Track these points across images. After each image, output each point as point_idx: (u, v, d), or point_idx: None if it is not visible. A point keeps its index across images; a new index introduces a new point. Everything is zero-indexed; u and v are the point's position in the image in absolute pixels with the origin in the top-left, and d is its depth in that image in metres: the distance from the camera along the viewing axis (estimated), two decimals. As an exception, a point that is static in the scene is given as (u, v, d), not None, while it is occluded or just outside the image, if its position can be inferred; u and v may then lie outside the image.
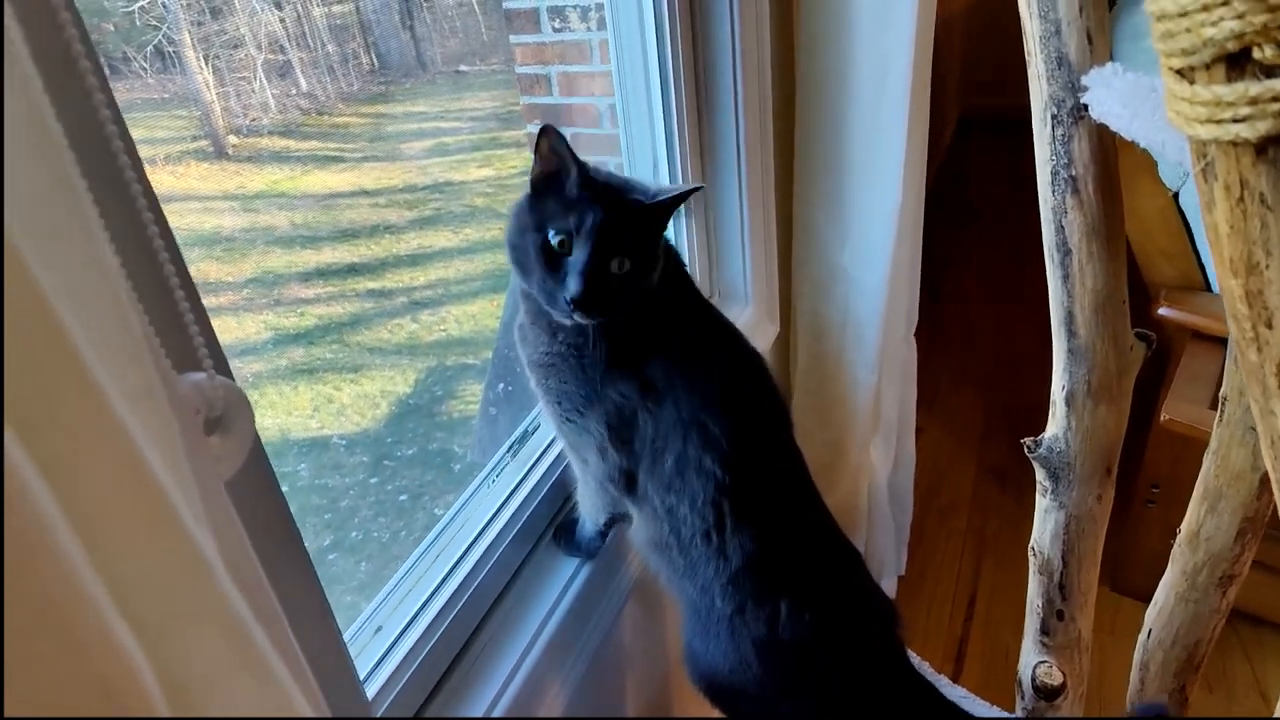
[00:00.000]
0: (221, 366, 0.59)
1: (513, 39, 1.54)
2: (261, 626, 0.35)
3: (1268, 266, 0.47)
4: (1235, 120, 0.43)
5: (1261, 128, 0.42)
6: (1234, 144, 0.44)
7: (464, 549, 0.94)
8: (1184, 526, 0.93)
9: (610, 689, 1.17)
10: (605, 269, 0.80)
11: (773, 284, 1.54)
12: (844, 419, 1.67)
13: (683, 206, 1.37)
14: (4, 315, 0.25)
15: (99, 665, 0.24)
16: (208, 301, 0.56)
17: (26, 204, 0.31)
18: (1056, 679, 1.06)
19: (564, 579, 1.00)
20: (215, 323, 0.58)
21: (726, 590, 0.89)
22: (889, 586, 1.87)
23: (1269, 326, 0.49)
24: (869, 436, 1.69)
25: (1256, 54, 0.40)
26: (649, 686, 1.29)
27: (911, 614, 1.90)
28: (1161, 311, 1.55)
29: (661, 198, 0.83)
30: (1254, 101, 0.41)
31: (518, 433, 1.13)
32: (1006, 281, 3.16)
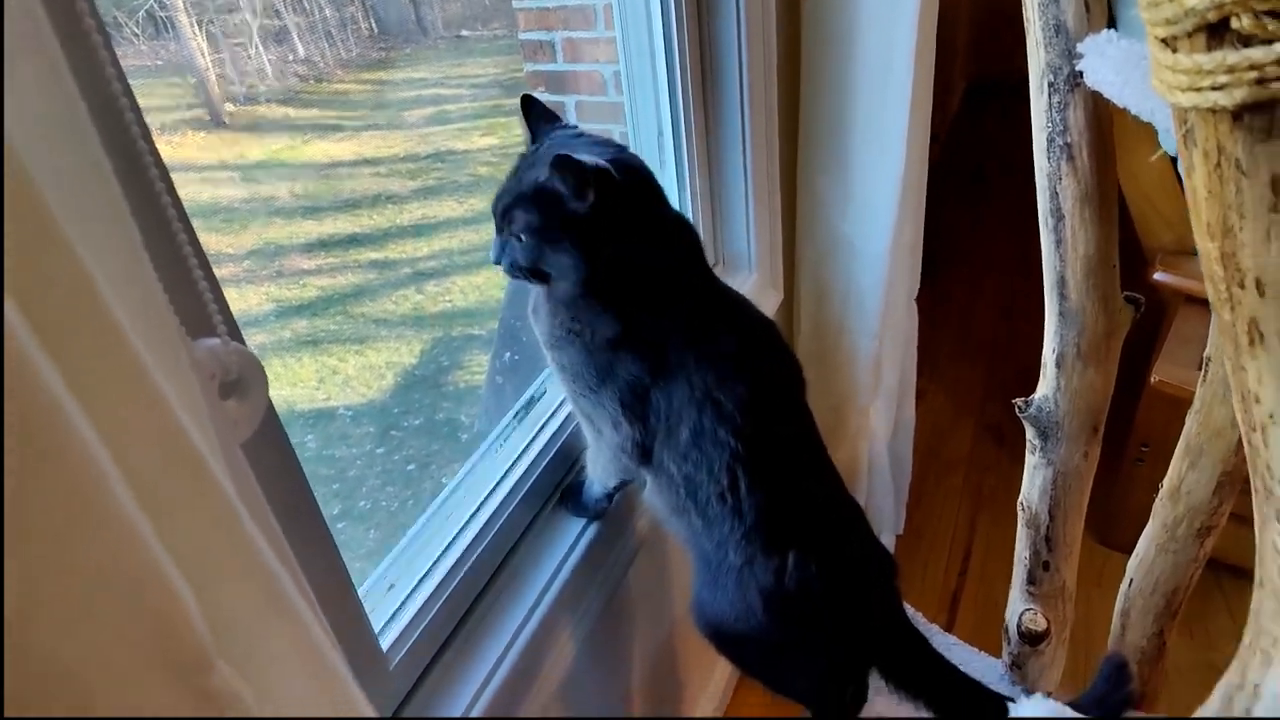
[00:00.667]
0: (234, 332, 0.60)
1: (515, 3, 1.53)
2: (286, 578, 0.38)
3: (1241, 229, 0.49)
4: (1214, 88, 0.44)
5: (1238, 95, 0.43)
6: (1212, 111, 0.46)
7: (473, 510, 0.97)
8: (1166, 482, 0.96)
9: (618, 640, 1.21)
10: (510, 236, 0.88)
11: (776, 252, 1.56)
12: (846, 384, 1.70)
13: (686, 175, 1.39)
14: (51, 288, 0.28)
15: (153, 602, 0.27)
16: (207, 274, 0.58)
17: (62, 184, 0.33)
18: (1041, 625, 1.09)
19: (571, 537, 1.03)
20: (215, 294, 0.60)
21: (740, 545, 0.92)
22: (887, 544, 1.90)
23: (1241, 287, 0.51)
24: (870, 401, 1.72)
25: (1235, 24, 0.42)
26: (655, 638, 1.33)
27: (908, 569, 1.93)
28: (1156, 276, 1.56)
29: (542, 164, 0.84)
30: (1231, 70, 0.43)
31: (523, 399, 1.16)
32: (1012, 247, 3.17)
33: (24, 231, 0.27)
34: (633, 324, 0.89)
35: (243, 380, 0.57)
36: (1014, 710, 0.76)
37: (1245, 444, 0.63)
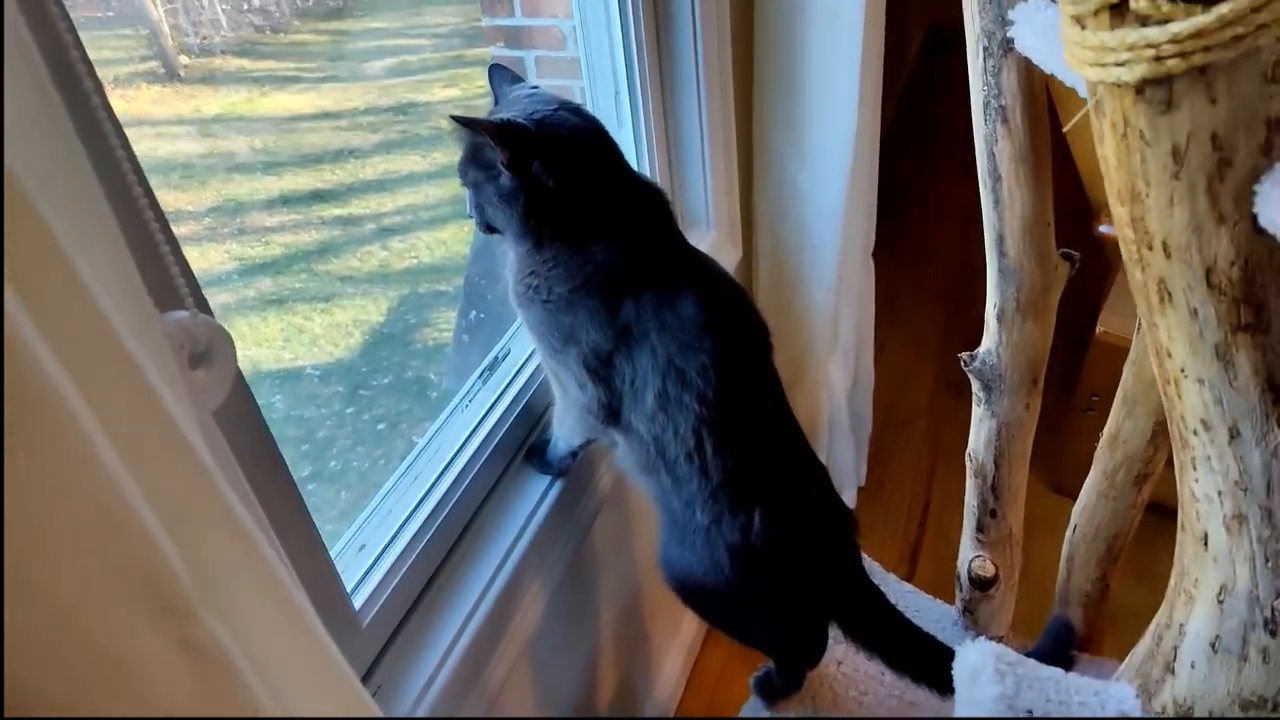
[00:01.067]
0: (200, 302, 0.62)
1: (471, -46, 1.51)
2: (259, 534, 0.41)
3: (1148, 195, 0.52)
4: (1117, 64, 0.47)
5: (1138, 71, 0.47)
6: (1117, 85, 0.49)
7: (440, 470, 0.99)
8: (1105, 431, 1.01)
9: (585, 594, 1.25)
10: (469, 190, 0.94)
11: (734, 208, 1.58)
12: (804, 339, 1.74)
13: (643, 132, 1.40)
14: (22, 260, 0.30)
15: (140, 551, 0.29)
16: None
17: (32, 158, 0.35)
18: (989, 571, 1.15)
19: (537, 494, 1.07)
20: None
21: (707, 503, 0.95)
22: (849, 497, 1.97)
23: (1150, 249, 0.55)
24: (828, 355, 1.76)
25: (1133, 4, 0.45)
26: (622, 591, 1.38)
27: (869, 520, 2.01)
28: (1101, 229, 1.61)
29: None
30: (1131, 48, 0.46)
31: (488, 359, 1.18)
32: (970, 199, 3.19)
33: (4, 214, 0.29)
34: (587, 284, 0.91)
35: (211, 351, 0.58)
36: (960, 654, 0.81)
37: (1163, 397, 0.68)
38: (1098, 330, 1.50)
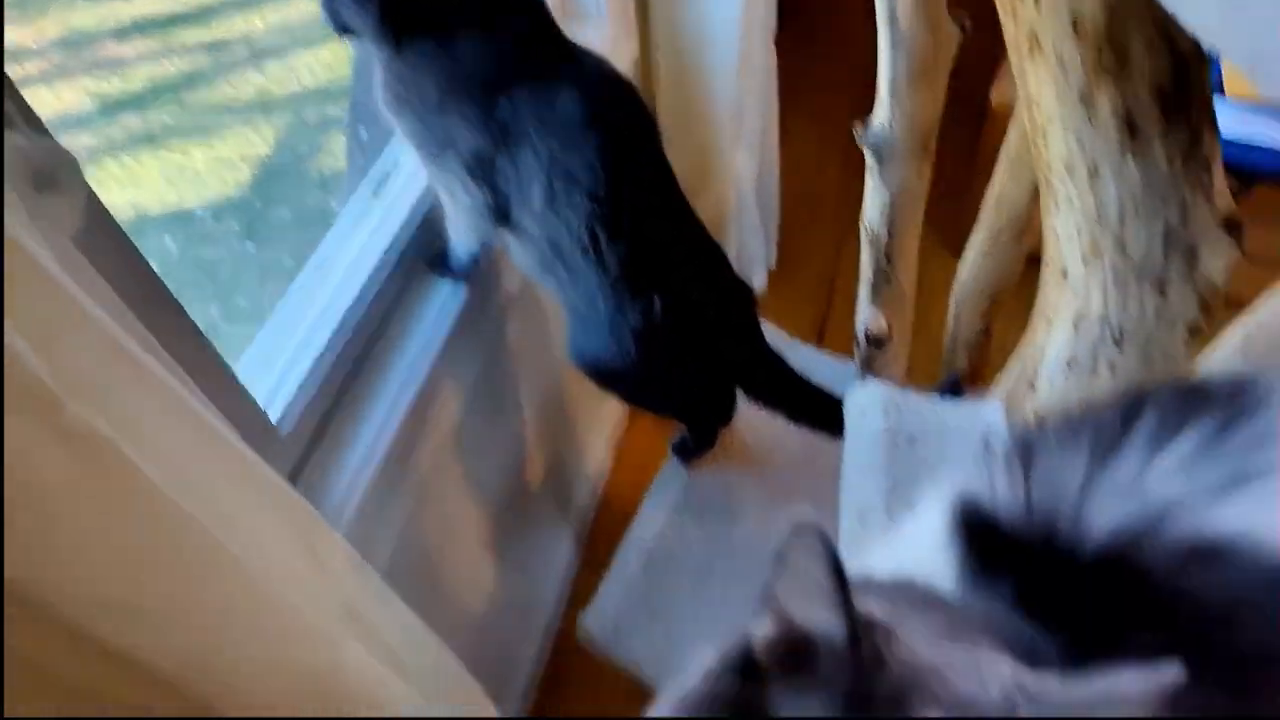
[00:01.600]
0: (35, 124, 0.58)
1: None
2: (135, 341, 0.41)
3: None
4: None
5: None
6: None
7: (342, 280, 0.98)
8: (988, 193, 1.06)
9: (507, 384, 1.30)
10: None
11: (627, -1, 1.49)
12: (709, 131, 1.71)
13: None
14: None
15: None
16: (10, 71, 0.55)
17: None
18: (883, 329, 1.23)
19: (443, 297, 1.07)
20: (25, 93, 0.57)
21: (608, 294, 0.98)
22: (759, 279, 2.02)
23: (1021, 1, 0.55)
24: (734, 146, 1.75)
25: None
26: (543, 379, 1.42)
27: (781, 300, 2.07)
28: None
29: None
30: None
31: (377, 176, 1.14)
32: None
33: None
34: (456, 85, 0.87)
35: (55, 174, 0.55)
36: (849, 396, 0.89)
37: (1031, 145, 0.70)
38: (992, 100, 1.51)
